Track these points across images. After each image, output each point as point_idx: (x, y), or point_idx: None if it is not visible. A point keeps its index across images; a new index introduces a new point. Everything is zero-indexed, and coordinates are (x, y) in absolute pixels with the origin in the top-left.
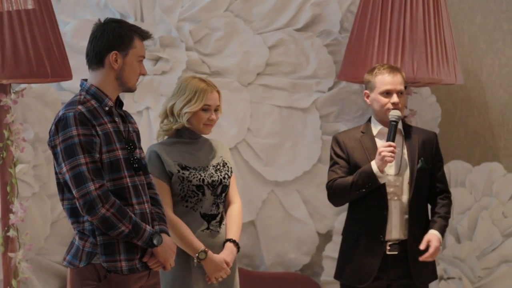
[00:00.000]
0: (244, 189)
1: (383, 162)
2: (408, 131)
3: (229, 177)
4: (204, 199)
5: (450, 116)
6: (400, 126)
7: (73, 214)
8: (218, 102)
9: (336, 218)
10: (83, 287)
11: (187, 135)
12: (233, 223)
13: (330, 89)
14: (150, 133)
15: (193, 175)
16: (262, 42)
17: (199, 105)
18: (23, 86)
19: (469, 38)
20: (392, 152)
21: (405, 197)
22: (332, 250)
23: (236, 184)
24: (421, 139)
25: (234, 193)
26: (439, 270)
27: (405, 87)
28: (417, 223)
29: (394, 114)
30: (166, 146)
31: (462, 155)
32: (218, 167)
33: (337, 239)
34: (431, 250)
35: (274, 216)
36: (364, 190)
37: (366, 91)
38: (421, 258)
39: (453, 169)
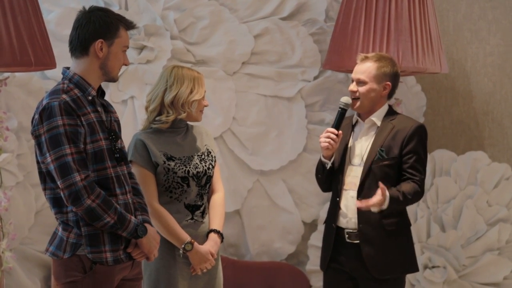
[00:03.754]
0: (230, 178)
1: (322, 148)
2: (387, 120)
3: (213, 167)
4: (189, 191)
5: (435, 105)
6: (376, 117)
7: (56, 204)
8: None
9: (321, 207)
10: (68, 278)
11: (177, 125)
12: (216, 213)
13: (315, 78)
14: (135, 122)
15: (178, 166)
16: (247, 31)
17: (202, 92)
18: (6, 74)
19: (454, 27)
20: (329, 138)
21: (357, 187)
22: (318, 239)
23: (219, 172)
24: (396, 129)
25: (217, 182)
26: (424, 258)
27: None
28: (371, 214)
29: (342, 100)
30: (152, 134)
31: (446, 144)
32: (203, 156)
33: (322, 228)
34: (365, 201)
35: (260, 205)
36: (320, 175)
37: None
38: (357, 204)
39: (438, 158)
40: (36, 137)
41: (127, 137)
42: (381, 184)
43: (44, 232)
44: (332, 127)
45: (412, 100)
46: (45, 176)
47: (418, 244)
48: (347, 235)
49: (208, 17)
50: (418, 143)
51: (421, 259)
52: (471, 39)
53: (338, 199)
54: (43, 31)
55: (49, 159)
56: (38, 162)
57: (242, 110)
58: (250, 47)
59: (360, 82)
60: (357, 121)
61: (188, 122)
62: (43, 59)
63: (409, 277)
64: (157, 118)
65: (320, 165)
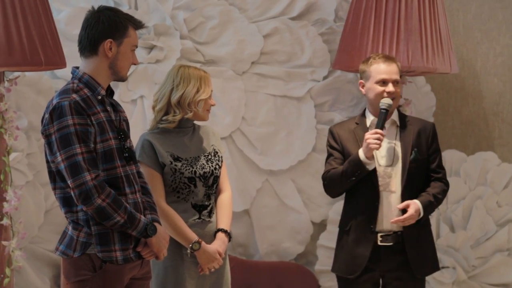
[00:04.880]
0: (239, 178)
1: (369, 149)
2: (404, 121)
3: (220, 167)
4: (196, 191)
5: (444, 105)
6: (395, 117)
7: (66, 203)
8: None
9: (330, 207)
10: (78, 277)
11: (184, 125)
12: (224, 212)
13: (324, 78)
14: (144, 122)
15: (185, 167)
16: (256, 30)
17: (208, 92)
18: (16, 74)
19: (464, 27)
20: (379, 139)
21: (397, 189)
22: (326, 239)
23: (226, 172)
24: (417, 130)
25: (225, 181)
26: None
27: (400, 77)
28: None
29: (384, 102)
30: (158, 135)
31: (456, 144)
32: (210, 157)
33: (331, 229)
34: (404, 215)
35: (269, 205)
36: (354, 178)
37: (361, 80)
38: (392, 221)
39: (448, 158)
40: (46, 136)
41: (137, 137)
42: (399, 206)
43: (53, 231)
44: (377, 128)
45: (421, 100)
46: (55, 176)
47: None
48: (380, 238)
49: (218, 16)
50: (437, 141)
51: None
52: (481, 39)
53: (376, 202)
54: (53, 30)
55: (59, 159)
56: (47, 162)
57: (251, 110)
58: (260, 47)
59: (397, 83)
60: (370, 123)
61: (195, 122)
62: (53, 59)
63: None
64: (163, 118)
65: (357, 168)
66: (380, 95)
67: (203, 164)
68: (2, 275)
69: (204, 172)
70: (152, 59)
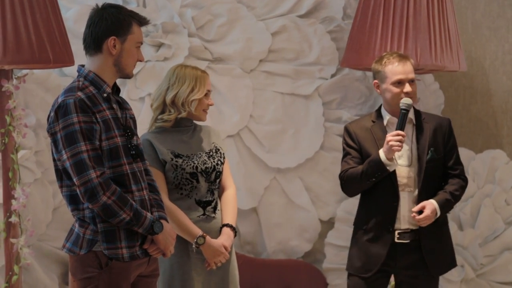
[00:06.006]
0: (246, 176)
1: (391, 151)
2: (419, 119)
3: (222, 163)
4: (199, 186)
5: (453, 103)
6: (411, 115)
7: (73, 201)
8: (211, 87)
9: (338, 205)
10: (84, 274)
11: (183, 124)
12: (229, 208)
13: (332, 76)
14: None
15: (186, 162)
16: (264, 28)
17: (203, 91)
18: (25, 71)
19: (472, 25)
20: (400, 141)
21: (415, 188)
22: (334, 237)
23: (229, 169)
24: (433, 127)
25: (228, 179)
26: None
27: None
28: None
29: (404, 102)
30: (158, 134)
31: (465, 142)
32: (211, 153)
33: (339, 227)
34: (421, 216)
35: (276, 203)
36: (374, 179)
37: (376, 81)
38: (415, 218)
39: None
40: (52, 134)
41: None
42: (415, 209)
43: (61, 229)
44: (398, 129)
45: (430, 98)
46: (61, 174)
47: None
48: (398, 235)
49: (226, 14)
50: (454, 137)
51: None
52: (490, 37)
53: (396, 202)
54: (62, 28)
55: (65, 156)
56: (54, 160)
57: (259, 107)
58: (268, 44)
59: (413, 82)
60: (387, 122)
61: (196, 122)
62: (62, 56)
63: None
64: (159, 117)
65: (377, 169)
66: (397, 96)
67: (205, 159)
68: (10, 273)
69: (206, 167)
70: (160, 57)
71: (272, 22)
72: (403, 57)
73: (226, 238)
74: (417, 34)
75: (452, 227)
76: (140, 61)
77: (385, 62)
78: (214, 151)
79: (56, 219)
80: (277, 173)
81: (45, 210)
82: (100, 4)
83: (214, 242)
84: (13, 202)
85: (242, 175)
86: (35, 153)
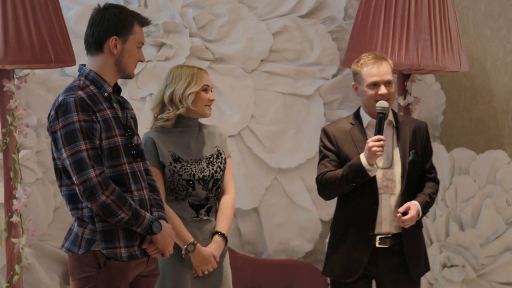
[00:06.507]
0: (248, 176)
1: (373, 157)
2: (398, 122)
3: (222, 169)
4: (194, 193)
5: (454, 103)
6: (391, 116)
7: (72, 200)
8: (211, 83)
9: None
10: (83, 273)
11: (186, 124)
12: (224, 215)
13: (334, 76)
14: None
15: (184, 169)
16: (266, 28)
17: (200, 85)
18: (26, 71)
19: (474, 25)
20: (382, 146)
21: (397, 191)
22: None
23: (232, 173)
24: (412, 130)
25: (229, 183)
26: (442, 257)
27: (409, 74)
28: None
29: (380, 105)
30: (161, 134)
31: (466, 142)
32: (211, 159)
33: None
34: (407, 216)
35: (277, 203)
36: (354, 184)
37: (354, 83)
38: (400, 219)
39: (457, 156)
40: (52, 133)
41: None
42: (401, 210)
43: (63, 229)
44: (377, 134)
45: (431, 99)
46: (61, 173)
47: (437, 243)
48: (379, 240)
49: (227, 14)
50: (430, 141)
51: (439, 258)
52: (491, 37)
53: (375, 206)
54: (63, 28)
55: (64, 155)
56: (54, 159)
57: (260, 107)
58: (269, 44)
59: (389, 83)
60: (367, 124)
61: (200, 121)
62: (63, 56)
63: (428, 277)
64: (159, 116)
65: (358, 174)
66: (373, 99)
67: (203, 167)
68: (11, 272)
69: (204, 176)
70: (161, 57)
71: (273, 22)
72: (379, 58)
73: (215, 247)
74: (418, 35)
75: (453, 227)
76: (141, 61)
77: (361, 64)
78: (215, 156)
79: (57, 219)
80: (278, 173)
81: (46, 210)
82: (101, 4)
83: (204, 251)
84: (15, 202)
85: (243, 175)
86: (36, 153)
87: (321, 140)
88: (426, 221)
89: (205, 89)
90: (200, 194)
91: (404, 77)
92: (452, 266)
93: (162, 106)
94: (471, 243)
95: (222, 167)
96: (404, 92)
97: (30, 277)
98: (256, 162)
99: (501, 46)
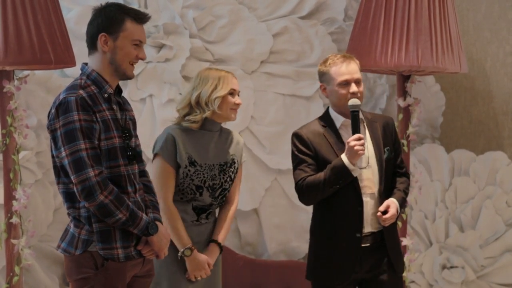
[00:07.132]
0: (247, 177)
1: (356, 156)
2: (368, 119)
3: (232, 179)
4: (200, 199)
5: (454, 105)
6: (361, 115)
7: (69, 198)
8: (238, 87)
9: None
10: (80, 274)
11: (209, 127)
12: (223, 225)
13: None
14: (153, 120)
15: (197, 174)
16: (266, 29)
17: (226, 88)
18: (26, 72)
19: (474, 27)
20: (362, 144)
21: (376, 189)
22: None
23: (240, 183)
24: (382, 126)
25: (235, 193)
26: (442, 259)
27: (409, 76)
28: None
29: (353, 104)
30: (183, 132)
31: (466, 144)
32: (225, 167)
33: None
34: (387, 215)
35: (277, 204)
36: (338, 185)
37: (322, 84)
38: (381, 218)
39: (457, 158)
40: (52, 131)
41: (145, 135)
42: (381, 208)
43: (62, 230)
44: (353, 132)
45: (431, 100)
46: (59, 171)
47: (436, 244)
48: (362, 240)
49: (227, 15)
50: (398, 136)
51: (439, 259)
52: (491, 38)
53: (360, 207)
54: (63, 29)
55: (63, 154)
56: (53, 156)
57: (260, 109)
58: (269, 46)
59: (358, 82)
60: (341, 125)
61: (223, 126)
62: (63, 57)
63: (428, 277)
64: (186, 118)
65: (341, 174)
66: (344, 98)
67: (214, 175)
68: (11, 273)
69: (213, 184)
70: (161, 58)
71: (273, 24)
72: (347, 58)
73: (211, 255)
74: (418, 36)
75: (453, 228)
76: (142, 59)
77: (329, 64)
78: (229, 164)
79: (57, 220)
80: (278, 174)
81: (46, 211)
82: (102, 3)
83: (200, 257)
84: (14, 203)
85: (243, 176)
86: (36, 154)
87: (295, 145)
88: (425, 222)
89: (232, 93)
90: (205, 200)
91: (404, 78)
92: (451, 267)
93: (189, 108)
94: (470, 244)
95: (232, 176)
96: (404, 93)
97: (29, 278)
98: (256, 163)
99: (501, 47)
